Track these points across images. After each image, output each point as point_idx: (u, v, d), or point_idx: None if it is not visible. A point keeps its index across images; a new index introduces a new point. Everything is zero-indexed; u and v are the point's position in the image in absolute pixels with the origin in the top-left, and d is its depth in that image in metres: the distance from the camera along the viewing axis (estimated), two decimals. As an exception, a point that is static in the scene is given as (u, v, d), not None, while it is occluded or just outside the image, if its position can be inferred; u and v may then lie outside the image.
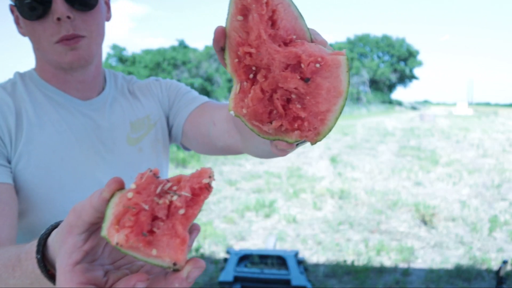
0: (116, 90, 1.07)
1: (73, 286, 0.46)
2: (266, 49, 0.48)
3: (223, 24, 0.51)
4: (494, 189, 6.79)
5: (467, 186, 7.03)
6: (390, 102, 60.75)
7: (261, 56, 0.48)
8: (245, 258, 3.22)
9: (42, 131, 0.90)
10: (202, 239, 4.46)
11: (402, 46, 59.83)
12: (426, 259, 4.06)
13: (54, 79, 0.96)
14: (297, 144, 0.51)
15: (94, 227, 0.49)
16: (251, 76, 0.50)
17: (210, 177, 0.47)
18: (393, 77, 59.73)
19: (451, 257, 4.08)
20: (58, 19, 0.86)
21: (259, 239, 4.55)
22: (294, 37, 0.50)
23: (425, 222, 5.08)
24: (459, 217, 5.26)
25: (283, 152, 0.54)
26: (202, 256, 4.03)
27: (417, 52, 60.76)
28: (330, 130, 0.48)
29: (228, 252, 3.30)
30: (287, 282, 2.77)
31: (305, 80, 0.48)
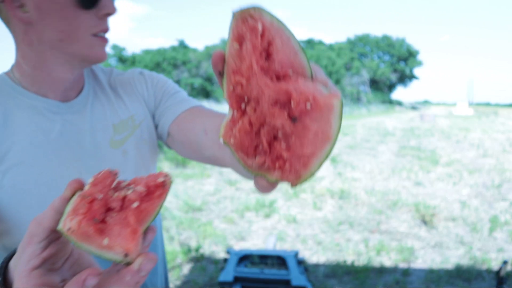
0: (97, 86, 0.98)
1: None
2: (256, 81, 0.46)
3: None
4: (494, 189, 6.79)
5: (467, 186, 7.03)
6: (390, 102, 60.72)
7: (251, 87, 0.46)
8: (245, 258, 3.21)
9: (16, 146, 0.82)
10: (202, 239, 4.46)
11: (402, 46, 59.83)
12: (426, 259, 4.06)
13: (38, 80, 0.86)
14: (297, 185, 0.49)
15: (53, 235, 0.49)
16: (243, 106, 0.48)
17: (166, 176, 0.49)
18: (393, 77, 59.72)
19: (451, 257, 4.08)
20: (108, 14, 0.85)
21: (259, 239, 4.55)
22: (290, 71, 0.47)
23: (425, 222, 5.08)
24: (459, 217, 5.26)
25: (264, 189, 0.50)
26: (202, 256, 4.03)
27: (417, 52, 60.75)
28: (312, 175, 0.46)
29: (228, 252, 3.30)
30: (287, 282, 2.77)
31: (293, 119, 0.45)
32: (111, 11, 0.85)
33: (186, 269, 3.79)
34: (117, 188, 0.49)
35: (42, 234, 0.48)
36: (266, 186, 0.49)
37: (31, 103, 0.86)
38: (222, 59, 0.48)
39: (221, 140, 0.48)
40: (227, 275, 2.82)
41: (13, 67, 0.89)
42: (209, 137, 0.84)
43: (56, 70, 0.86)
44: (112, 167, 0.90)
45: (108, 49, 0.92)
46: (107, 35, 0.89)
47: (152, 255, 0.46)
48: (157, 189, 0.48)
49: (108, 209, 0.47)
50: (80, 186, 0.49)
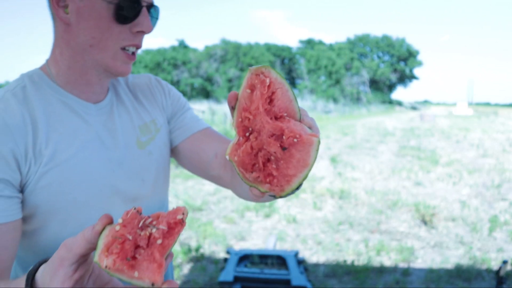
0: (119, 88, 1.02)
1: None
2: (260, 118, 0.62)
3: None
4: (494, 189, 6.79)
5: (467, 186, 7.03)
6: (390, 102, 60.77)
7: (256, 122, 0.63)
8: (245, 258, 3.22)
9: (61, 145, 0.85)
10: (202, 239, 4.46)
11: (402, 46, 59.80)
12: (426, 259, 4.06)
13: (71, 80, 0.90)
14: (280, 196, 0.64)
15: (82, 259, 0.58)
16: (247, 134, 0.64)
17: (183, 214, 0.59)
18: (393, 77, 59.71)
19: (451, 257, 4.08)
20: (142, 32, 0.88)
21: (259, 239, 4.55)
22: (285, 114, 0.64)
23: (425, 222, 5.08)
24: (459, 217, 5.26)
25: (256, 198, 0.65)
26: (202, 256, 4.03)
27: (417, 52, 60.73)
28: (292, 190, 0.62)
29: (228, 252, 3.30)
30: (287, 282, 2.77)
31: (283, 148, 0.62)
32: (145, 29, 0.88)
33: (186, 269, 3.79)
34: (143, 227, 0.58)
35: (73, 259, 0.57)
36: (258, 195, 0.64)
37: (68, 102, 0.89)
38: (236, 98, 0.63)
39: (227, 157, 0.63)
40: (227, 275, 2.82)
41: (48, 62, 0.91)
42: (218, 160, 0.99)
43: (88, 73, 0.90)
44: (140, 167, 0.96)
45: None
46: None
47: (175, 283, 0.55)
48: (176, 225, 0.58)
49: (137, 246, 0.57)
50: (110, 221, 0.58)
